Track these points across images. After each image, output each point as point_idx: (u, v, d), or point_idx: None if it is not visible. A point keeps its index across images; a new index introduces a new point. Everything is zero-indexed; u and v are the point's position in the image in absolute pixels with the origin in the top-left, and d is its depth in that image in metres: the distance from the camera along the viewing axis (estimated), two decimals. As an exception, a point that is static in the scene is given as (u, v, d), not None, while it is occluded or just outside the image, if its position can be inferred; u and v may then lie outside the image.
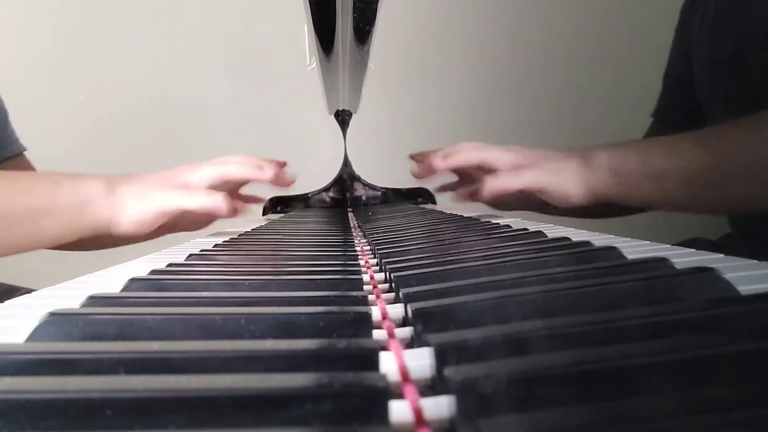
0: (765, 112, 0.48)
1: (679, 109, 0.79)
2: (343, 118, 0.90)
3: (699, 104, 0.74)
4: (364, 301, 0.22)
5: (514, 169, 0.52)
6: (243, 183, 0.59)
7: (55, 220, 0.48)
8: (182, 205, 0.48)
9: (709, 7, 0.69)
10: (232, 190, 0.58)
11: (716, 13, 0.67)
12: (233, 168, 0.52)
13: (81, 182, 0.50)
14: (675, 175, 0.50)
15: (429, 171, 0.57)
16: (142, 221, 0.49)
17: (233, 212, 0.51)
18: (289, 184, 0.58)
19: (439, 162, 0.54)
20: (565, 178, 0.52)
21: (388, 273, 0.28)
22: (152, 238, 0.58)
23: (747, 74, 0.61)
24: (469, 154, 0.54)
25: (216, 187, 0.52)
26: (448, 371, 0.13)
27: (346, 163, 0.92)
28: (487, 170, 0.54)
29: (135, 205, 0.49)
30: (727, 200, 0.51)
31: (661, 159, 0.51)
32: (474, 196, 0.55)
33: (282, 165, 0.57)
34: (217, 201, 0.48)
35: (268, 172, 0.53)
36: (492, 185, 0.51)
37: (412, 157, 0.69)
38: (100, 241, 0.60)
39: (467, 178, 0.62)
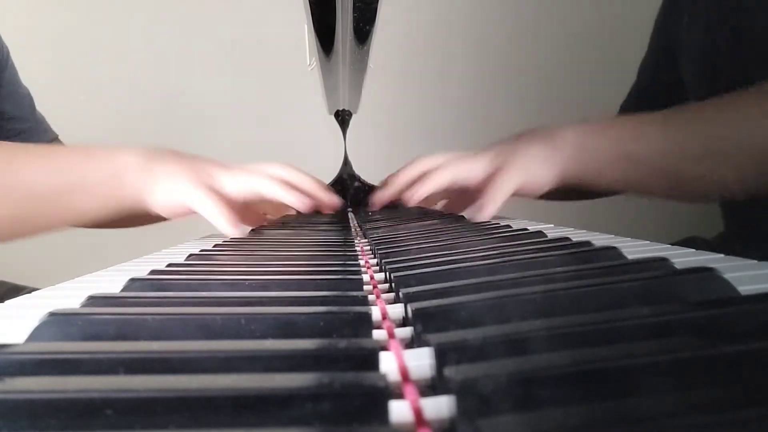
0: (743, 92, 0.47)
1: (653, 104, 0.80)
2: (343, 118, 0.90)
3: (678, 100, 0.74)
4: (364, 301, 0.22)
5: (486, 181, 0.51)
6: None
7: (88, 196, 0.47)
8: (205, 213, 0.48)
9: (698, 4, 0.68)
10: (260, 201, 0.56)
11: (710, 9, 0.66)
12: (272, 189, 0.51)
13: (115, 156, 0.48)
14: (647, 157, 0.49)
15: (384, 203, 0.59)
16: (167, 208, 0.49)
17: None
18: (330, 207, 0.57)
19: (411, 199, 0.53)
20: (534, 168, 0.51)
21: (388, 273, 0.28)
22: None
23: (749, 70, 0.61)
24: (437, 180, 0.53)
25: (248, 198, 0.51)
26: (448, 371, 0.13)
27: (346, 163, 0.91)
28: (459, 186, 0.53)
29: (165, 189, 0.48)
30: (705, 184, 0.50)
31: (632, 141, 0.50)
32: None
33: (327, 189, 0.56)
34: (231, 233, 0.47)
35: (305, 204, 0.52)
36: (483, 216, 0.50)
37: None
38: (140, 218, 0.59)
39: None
